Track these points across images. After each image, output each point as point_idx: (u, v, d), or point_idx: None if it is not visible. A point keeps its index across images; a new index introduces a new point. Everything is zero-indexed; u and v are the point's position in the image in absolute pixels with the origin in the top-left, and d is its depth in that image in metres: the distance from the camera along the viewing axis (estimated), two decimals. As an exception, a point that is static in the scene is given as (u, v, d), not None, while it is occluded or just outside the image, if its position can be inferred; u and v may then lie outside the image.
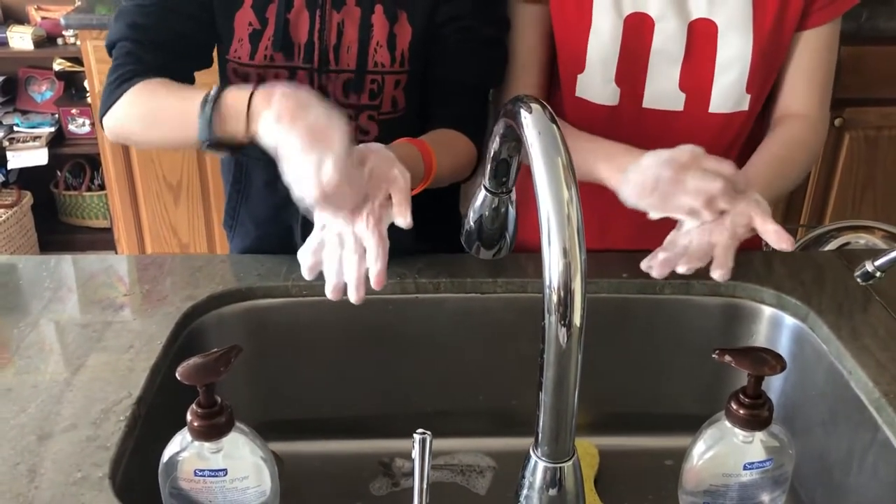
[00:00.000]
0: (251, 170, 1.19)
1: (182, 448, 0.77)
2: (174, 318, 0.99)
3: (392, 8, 1.08)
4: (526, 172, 0.74)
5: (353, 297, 0.82)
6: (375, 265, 0.81)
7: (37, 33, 2.98)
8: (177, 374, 0.74)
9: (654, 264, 0.93)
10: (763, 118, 1.19)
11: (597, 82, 1.12)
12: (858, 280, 0.98)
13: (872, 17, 2.22)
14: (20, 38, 2.97)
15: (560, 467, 0.65)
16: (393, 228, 0.85)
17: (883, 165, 2.41)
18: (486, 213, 0.89)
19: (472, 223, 0.91)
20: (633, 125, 1.14)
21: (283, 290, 1.06)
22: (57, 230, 3.22)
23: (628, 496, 1.03)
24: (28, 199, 3.06)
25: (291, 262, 1.07)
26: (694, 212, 0.92)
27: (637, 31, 1.09)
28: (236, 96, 0.89)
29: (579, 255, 0.59)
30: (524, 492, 0.66)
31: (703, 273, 1.06)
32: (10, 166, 3.01)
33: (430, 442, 0.74)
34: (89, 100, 2.78)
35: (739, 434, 0.81)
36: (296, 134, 0.81)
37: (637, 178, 0.94)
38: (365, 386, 1.10)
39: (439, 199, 1.18)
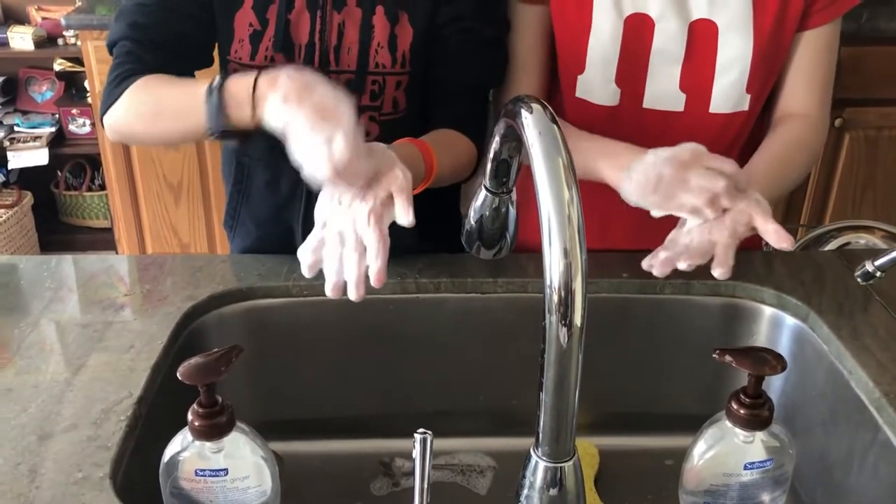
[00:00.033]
0: (252, 170, 1.19)
1: (183, 448, 0.77)
2: (175, 318, 0.99)
3: (393, 9, 1.08)
4: (527, 172, 0.74)
5: (353, 295, 0.82)
6: (376, 263, 0.82)
7: (37, 33, 2.98)
8: (178, 374, 0.74)
9: (655, 263, 0.93)
10: (763, 118, 1.19)
11: (597, 83, 1.12)
12: (859, 280, 0.98)
13: (873, 17, 2.22)
14: (21, 39, 2.97)
15: (561, 467, 0.65)
16: (393, 228, 0.85)
17: (883, 165, 2.41)
18: (487, 213, 0.89)
19: (472, 223, 0.92)
20: (634, 126, 1.14)
21: (284, 290, 1.06)
22: (57, 230, 3.22)
23: (629, 496, 1.03)
24: (28, 199, 3.06)
25: (292, 262, 1.07)
26: (696, 210, 0.92)
27: (637, 31, 1.09)
28: (240, 82, 0.90)
29: (580, 255, 0.59)
30: (525, 492, 0.66)
31: (703, 273, 1.06)
32: (10, 166, 3.01)
33: (431, 441, 0.74)
34: (90, 100, 2.79)
35: (740, 434, 0.81)
36: (304, 113, 0.82)
37: (639, 176, 0.94)
38: (365, 386, 1.10)
39: (440, 199, 1.18)
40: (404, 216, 0.84)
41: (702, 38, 1.09)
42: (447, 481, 1.05)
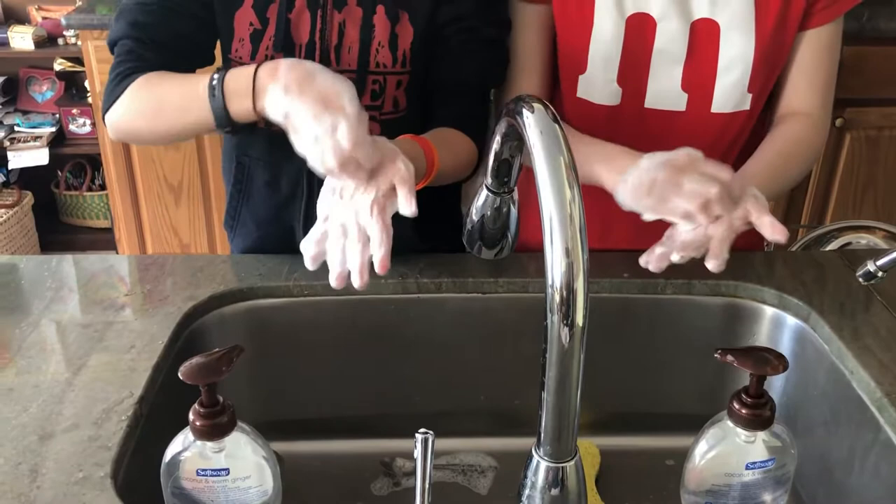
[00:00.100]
0: (252, 170, 1.19)
1: (184, 447, 0.77)
2: (175, 318, 0.99)
3: (394, 8, 1.08)
4: (528, 172, 0.74)
5: (357, 282, 0.82)
6: (379, 250, 0.82)
7: (37, 33, 2.98)
8: (179, 374, 0.74)
9: (652, 259, 0.94)
10: (765, 118, 1.19)
11: (599, 83, 1.12)
12: (860, 280, 0.98)
13: (874, 17, 2.22)
14: (21, 38, 2.97)
15: (562, 467, 0.65)
16: (395, 228, 0.85)
17: (884, 165, 2.41)
18: (488, 212, 0.89)
19: (473, 223, 0.92)
20: (635, 125, 1.14)
21: (285, 289, 1.06)
22: (58, 230, 3.22)
23: (630, 496, 1.03)
24: (29, 199, 3.06)
25: (293, 261, 1.08)
26: (688, 215, 0.92)
27: (639, 31, 1.09)
28: (240, 74, 0.90)
29: (581, 254, 0.59)
30: (526, 491, 0.66)
31: (704, 273, 1.06)
32: (10, 166, 3.01)
33: (433, 441, 0.74)
34: (90, 100, 2.78)
35: (741, 434, 0.81)
36: (306, 102, 0.82)
37: (634, 179, 0.94)
38: (366, 385, 1.10)
39: (441, 199, 1.18)
40: (407, 206, 0.84)
41: (703, 37, 1.09)
42: (448, 481, 1.05)
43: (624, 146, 1.03)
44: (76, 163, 3.19)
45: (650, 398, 1.12)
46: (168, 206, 2.60)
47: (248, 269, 1.09)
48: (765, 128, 1.17)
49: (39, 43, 2.99)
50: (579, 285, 0.59)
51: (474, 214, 0.91)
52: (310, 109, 0.82)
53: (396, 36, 1.09)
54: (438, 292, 1.07)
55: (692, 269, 1.05)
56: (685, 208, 0.91)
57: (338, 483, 1.06)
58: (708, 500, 0.84)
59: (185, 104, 0.96)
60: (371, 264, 0.83)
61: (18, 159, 2.99)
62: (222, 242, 2.64)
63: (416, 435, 0.74)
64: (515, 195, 0.89)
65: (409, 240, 1.10)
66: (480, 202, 0.89)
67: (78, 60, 2.91)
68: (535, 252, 1.05)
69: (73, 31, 2.88)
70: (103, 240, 3.10)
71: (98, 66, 2.45)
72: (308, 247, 0.85)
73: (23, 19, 3.11)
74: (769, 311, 1.07)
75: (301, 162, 0.85)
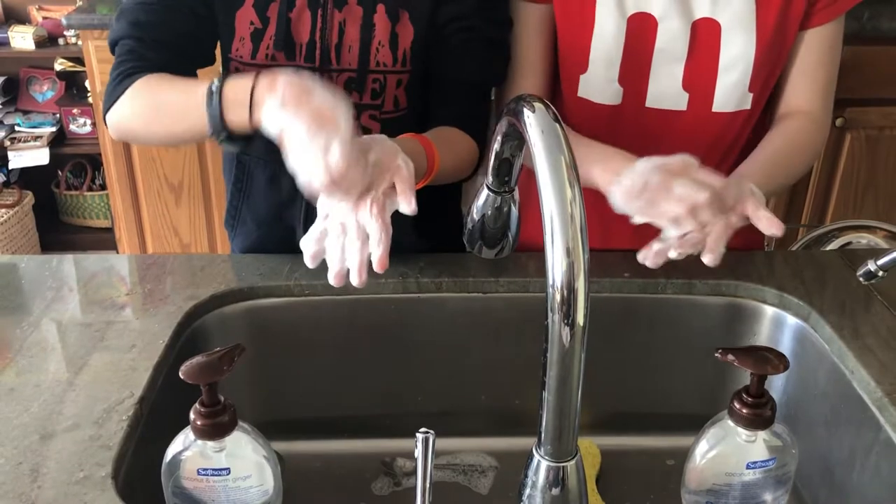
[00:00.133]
0: (253, 169, 1.19)
1: (185, 447, 0.77)
2: (176, 318, 0.99)
3: (394, 7, 1.08)
4: (529, 171, 0.74)
5: (355, 280, 0.83)
6: (378, 249, 0.82)
7: (38, 33, 2.98)
8: (180, 373, 0.74)
9: (649, 255, 0.94)
10: (765, 118, 1.19)
11: (600, 82, 1.12)
12: (861, 279, 0.98)
13: (874, 17, 2.22)
14: (21, 38, 2.97)
15: (563, 466, 0.65)
16: (395, 227, 0.85)
17: (884, 165, 2.41)
18: (489, 212, 0.89)
19: (474, 222, 0.91)
20: (636, 125, 1.14)
21: (285, 289, 1.06)
22: (58, 230, 3.22)
23: (630, 496, 1.03)
24: (29, 198, 3.06)
25: (293, 261, 1.08)
26: (677, 220, 0.92)
27: (640, 30, 1.09)
28: (238, 85, 0.90)
29: (582, 254, 0.59)
30: (527, 491, 0.66)
31: (705, 273, 1.06)
32: (11, 166, 3.01)
33: (433, 441, 0.74)
34: (90, 100, 2.78)
35: (742, 433, 0.81)
36: (301, 119, 0.82)
37: (627, 181, 0.94)
38: (367, 385, 1.10)
39: (441, 198, 1.18)
40: (406, 205, 0.84)
41: (705, 37, 1.09)
42: (449, 481, 1.05)
43: (621, 149, 1.03)
44: (76, 163, 3.19)
45: (651, 398, 1.12)
46: (168, 205, 2.60)
47: (248, 268, 1.09)
48: (765, 128, 1.17)
49: (40, 43, 2.99)
50: (580, 285, 0.59)
51: (475, 214, 0.91)
52: (304, 126, 0.81)
53: (397, 35, 1.09)
54: (439, 292, 1.07)
55: (693, 268, 1.05)
56: (674, 212, 0.91)
57: (338, 483, 1.06)
58: (709, 500, 0.84)
59: (184, 110, 0.96)
60: (370, 263, 0.83)
61: (19, 159, 2.99)
62: (223, 242, 2.64)
63: (417, 434, 0.74)
64: (516, 195, 0.89)
65: (409, 239, 1.10)
66: (481, 201, 0.89)
67: (78, 60, 2.91)
68: (535, 251, 1.05)
69: (73, 30, 2.88)
70: (104, 239, 3.10)
71: (99, 65, 2.45)
72: (308, 244, 0.85)
73: (23, 19, 3.11)
74: (770, 310, 1.07)
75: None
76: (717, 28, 1.08)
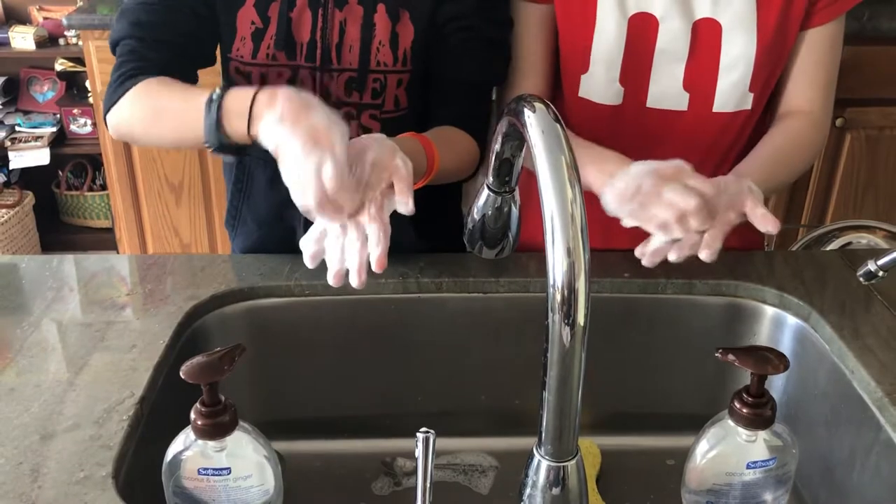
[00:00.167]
0: (253, 169, 1.19)
1: (185, 447, 0.77)
2: (176, 318, 0.99)
3: (394, 7, 1.08)
4: (528, 171, 0.74)
5: (354, 281, 0.83)
6: (377, 249, 0.82)
7: (39, 33, 2.98)
8: (181, 373, 0.74)
9: (646, 252, 0.94)
10: (766, 118, 1.19)
11: (601, 82, 1.12)
12: (861, 279, 0.98)
13: (874, 17, 2.22)
14: (22, 39, 2.97)
15: (563, 466, 0.65)
16: (395, 227, 0.85)
17: (884, 165, 2.41)
18: (489, 212, 0.89)
19: (474, 222, 0.92)
20: (637, 125, 1.14)
21: (286, 289, 1.06)
22: (58, 230, 3.22)
23: (631, 495, 1.03)
24: (30, 199, 3.06)
25: (293, 261, 1.08)
26: (665, 225, 0.92)
27: (641, 30, 1.09)
28: (239, 97, 0.90)
29: (583, 254, 0.59)
30: (527, 491, 0.66)
31: (705, 273, 1.06)
32: (11, 166, 3.01)
33: (434, 441, 0.74)
34: (91, 100, 2.78)
35: (743, 433, 0.81)
36: (297, 136, 0.82)
37: (620, 184, 0.94)
38: (367, 385, 1.10)
39: (442, 198, 1.18)
40: (404, 205, 0.84)
41: (705, 37, 1.09)
42: (449, 481, 1.05)
43: (622, 149, 1.03)
44: (77, 163, 3.19)
45: (651, 398, 1.12)
46: (169, 205, 2.60)
47: (248, 268, 1.09)
48: (766, 128, 1.17)
49: (40, 43, 2.99)
50: (581, 285, 0.59)
51: (475, 214, 0.91)
52: (299, 143, 0.81)
53: (397, 35, 1.09)
54: (439, 292, 1.07)
55: (693, 268, 1.05)
56: (663, 218, 0.91)
57: (339, 482, 1.06)
58: (709, 500, 0.84)
59: (184, 117, 0.96)
60: (369, 263, 0.83)
61: (19, 159, 3.00)
62: (223, 242, 2.64)
63: (418, 434, 0.74)
64: (517, 195, 0.89)
65: (409, 239, 1.10)
66: (481, 201, 0.89)
67: (79, 60, 2.91)
68: (536, 252, 1.05)
69: (74, 31, 2.88)
70: (104, 240, 3.10)
71: (99, 66, 2.45)
72: (307, 245, 0.86)
73: (24, 19, 3.11)
74: (770, 310, 1.07)
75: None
76: (717, 28, 1.08)
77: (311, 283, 1.05)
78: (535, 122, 0.64)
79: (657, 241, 0.93)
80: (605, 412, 1.08)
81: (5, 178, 3.07)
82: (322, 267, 0.86)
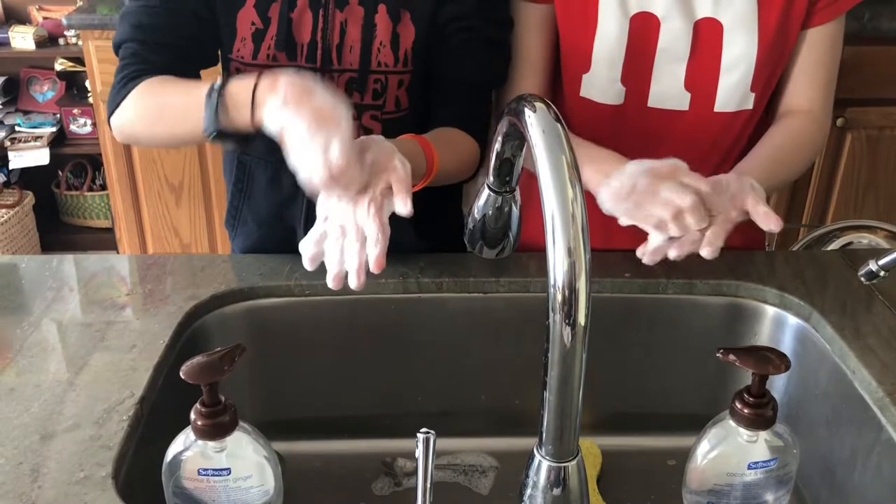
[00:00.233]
0: (253, 169, 1.19)
1: (185, 447, 0.77)
2: (177, 318, 0.99)
3: (395, 8, 1.08)
4: (529, 171, 0.74)
5: (353, 282, 0.83)
6: (375, 249, 0.82)
7: (38, 33, 2.98)
8: (181, 373, 0.74)
9: (647, 251, 0.94)
10: (766, 118, 1.19)
11: (602, 82, 1.12)
12: (862, 279, 0.98)
13: (875, 17, 2.22)
14: (22, 39, 2.97)
15: (564, 467, 0.65)
16: (395, 227, 0.85)
17: (885, 165, 2.41)
18: (490, 212, 0.89)
19: (475, 222, 0.91)
20: (638, 125, 1.14)
21: (286, 289, 1.06)
22: (58, 230, 3.22)
23: (631, 496, 1.03)
24: (30, 199, 3.06)
25: (293, 261, 1.08)
26: (661, 224, 0.92)
27: (643, 30, 1.09)
28: (241, 85, 0.90)
29: (584, 254, 0.59)
30: (528, 491, 0.66)
31: (705, 273, 1.06)
32: (11, 166, 3.01)
33: (434, 441, 0.73)
34: (91, 100, 2.78)
35: (744, 433, 0.81)
36: (302, 117, 0.82)
37: (616, 183, 0.95)
38: (367, 385, 1.10)
39: (442, 198, 1.18)
40: (402, 206, 0.84)
41: (707, 36, 1.09)
42: (449, 481, 1.05)
43: (623, 149, 1.03)
44: (77, 163, 3.19)
45: (652, 398, 1.12)
46: (169, 205, 2.60)
47: (248, 268, 1.09)
48: (767, 127, 1.17)
49: (40, 43, 2.99)
50: (581, 285, 0.59)
51: (476, 214, 0.91)
52: (304, 124, 0.82)
53: (398, 35, 1.09)
54: (439, 292, 1.07)
55: (693, 268, 1.05)
56: (659, 216, 0.91)
57: (339, 483, 1.06)
58: (710, 500, 0.84)
59: (186, 110, 0.96)
60: (368, 265, 0.83)
61: (19, 159, 2.99)
62: (223, 242, 2.64)
63: (418, 435, 0.74)
64: (517, 194, 0.89)
65: (409, 239, 1.10)
66: (482, 201, 0.89)
67: (79, 60, 2.91)
68: (536, 251, 1.05)
69: (73, 31, 2.88)
70: (104, 240, 3.10)
71: (99, 66, 2.44)
72: (307, 247, 0.86)
73: (24, 19, 3.11)
74: (771, 310, 1.07)
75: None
76: (719, 28, 1.08)
77: (311, 283, 1.05)
78: (535, 122, 0.64)
79: (655, 239, 0.93)
80: (605, 412, 1.08)
81: (5, 178, 3.07)
82: (322, 267, 0.86)
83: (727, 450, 0.82)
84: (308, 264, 0.86)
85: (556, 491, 0.65)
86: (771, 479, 0.83)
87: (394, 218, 0.86)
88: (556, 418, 0.63)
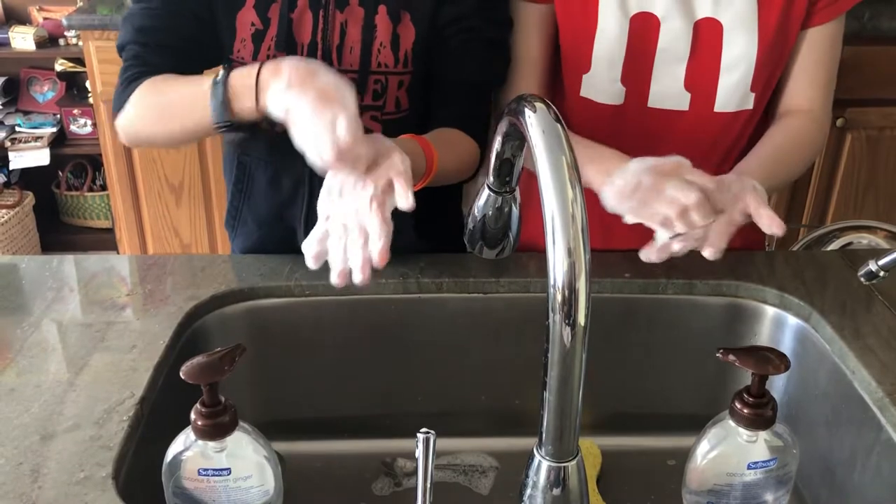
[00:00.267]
0: (254, 170, 1.19)
1: (186, 447, 0.77)
2: (177, 319, 0.99)
3: (395, 9, 1.08)
4: (529, 171, 0.74)
5: (358, 278, 0.83)
6: (378, 242, 0.83)
7: (39, 34, 2.98)
8: (181, 373, 0.74)
9: (652, 250, 0.94)
10: (766, 118, 1.19)
11: (602, 82, 1.12)
12: (862, 279, 0.98)
13: (874, 17, 2.22)
14: (22, 39, 2.97)
15: (564, 467, 0.65)
16: (395, 228, 0.85)
17: (885, 166, 2.41)
18: (490, 212, 0.89)
19: (475, 222, 0.91)
20: (638, 125, 1.14)
21: (286, 289, 1.06)
22: (58, 230, 3.22)
23: (631, 496, 1.03)
24: (30, 199, 3.06)
25: (293, 262, 1.08)
26: (667, 221, 0.92)
27: (643, 30, 1.09)
28: (243, 74, 0.91)
29: (584, 254, 0.59)
30: (528, 491, 0.66)
31: (705, 273, 1.06)
32: (11, 167, 3.01)
33: (434, 441, 0.73)
34: (91, 100, 2.78)
35: (743, 433, 0.81)
36: (307, 97, 0.83)
37: (619, 181, 0.95)
38: (367, 386, 1.10)
39: (442, 198, 1.18)
40: (404, 199, 0.84)
41: (707, 36, 1.09)
42: (449, 481, 1.05)
43: (623, 149, 1.03)
44: (77, 163, 3.19)
45: (652, 398, 1.12)
46: (169, 206, 2.60)
47: (249, 269, 1.09)
48: (767, 127, 1.17)
49: (40, 43, 2.99)
50: (581, 285, 0.59)
51: (476, 214, 0.91)
52: (310, 103, 0.83)
53: (398, 36, 1.09)
54: (439, 292, 1.07)
55: (693, 269, 1.05)
56: (664, 214, 0.91)
57: (339, 483, 1.06)
58: (710, 500, 0.84)
59: (190, 104, 0.97)
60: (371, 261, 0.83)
61: (19, 160, 2.99)
62: (223, 242, 2.64)
63: (418, 435, 0.74)
64: (517, 195, 0.89)
65: (409, 239, 1.10)
66: (482, 202, 0.89)
67: (79, 61, 2.91)
68: (536, 252, 1.05)
69: (74, 31, 2.88)
70: (104, 240, 3.10)
71: (99, 66, 2.44)
72: (310, 246, 0.86)
73: (24, 20, 3.11)
74: (770, 310, 1.07)
75: (303, 162, 0.86)
76: (718, 28, 1.08)
77: (312, 284, 1.05)
78: (535, 122, 0.64)
79: (662, 237, 0.93)
80: (605, 412, 1.08)
81: (5, 179, 3.07)
82: (323, 267, 0.86)
83: (727, 450, 0.82)
84: (311, 263, 0.86)
85: (556, 491, 0.65)
86: (770, 479, 0.83)
87: (394, 218, 0.86)
88: (556, 418, 0.63)
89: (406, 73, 1.11)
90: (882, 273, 0.96)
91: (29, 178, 3.11)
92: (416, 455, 0.74)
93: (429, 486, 0.73)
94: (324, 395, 1.10)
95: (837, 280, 1.09)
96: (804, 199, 2.45)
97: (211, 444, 0.76)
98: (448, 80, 1.13)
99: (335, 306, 1.06)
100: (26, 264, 1.12)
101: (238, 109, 0.92)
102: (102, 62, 2.43)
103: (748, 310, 1.08)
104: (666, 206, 0.91)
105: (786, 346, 1.05)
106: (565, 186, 0.60)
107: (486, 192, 0.88)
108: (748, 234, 1.03)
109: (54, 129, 3.08)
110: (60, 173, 3.18)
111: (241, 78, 0.91)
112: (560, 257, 0.59)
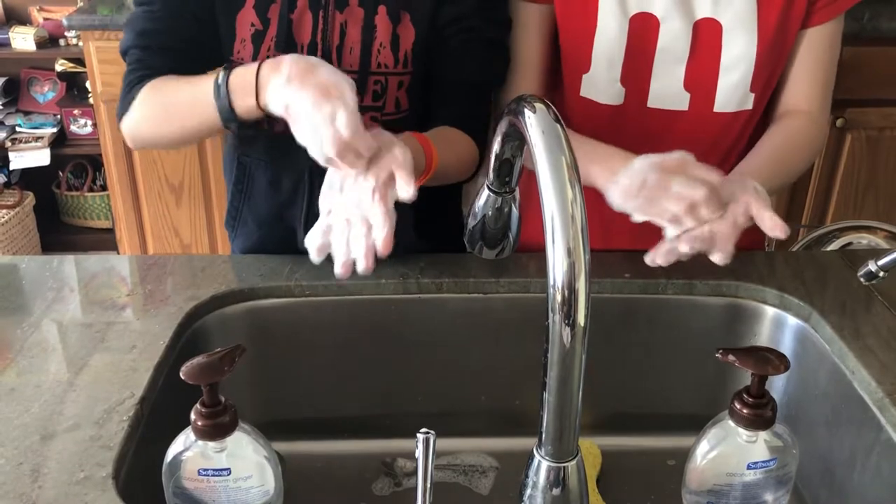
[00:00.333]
0: (254, 170, 1.19)
1: (186, 447, 0.77)
2: (177, 319, 0.99)
3: (395, 9, 1.08)
4: (529, 171, 0.74)
5: (361, 266, 0.84)
6: (382, 230, 0.83)
7: (39, 34, 2.98)
8: (181, 374, 0.74)
9: (659, 253, 0.94)
10: (766, 118, 1.19)
11: (602, 82, 1.12)
12: (862, 280, 0.98)
13: (874, 17, 2.22)
14: (22, 39, 2.97)
15: (564, 467, 0.65)
16: (395, 227, 0.85)
17: (884, 166, 2.41)
18: (490, 212, 0.89)
19: (475, 223, 0.92)
20: (638, 125, 1.14)
21: (286, 290, 1.06)
22: (59, 231, 3.22)
23: (631, 496, 1.03)
24: (30, 199, 3.06)
25: (294, 262, 1.08)
26: (676, 218, 0.92)
27: (642, 30, 1.09)
28: (243, 72, 0.92)
29: (583, 254, 0.59)
30: (528, 491, 0.66)
31: (705, 273, 1.06)
32: (12, 167, 3.02)
33: (434, 441, 0.74)
34: (91, 100, 2.78)
35: (743, 434, 0.81)
36: (307, 92, 0.84)
37: (625, 180, 0.95)
38: (367, 386, 1.10)
39: (442, 199, 1.18)
40: (406, 190, 0.85)
41: (706, 37, 1.09)
42: (449, 482, 1.05)
43: (620, 148, 1.03)
44: (77, 163, 3.19)
45: (651, 398, 1.12)
46: (169, 206, 2.60)
47: (249, 269, 1.09)
48: (767, 127, 1.17)
49: (41, 44, 2.99)
50: (581, 285, 0.59)
51: (476, 214, 0.91)
52: (310, 99, 0.84)
53: (398, 36, 1.09)
54: (439, 292, 1.07)
55: (693, 269, 1.05)
56: (672, 211, 0.92)
57: (339, 483, 1.06)
58: (709, 500, 0.84)
59: (193, 105, 0.98)
60: (375, 252, 0.84)
61: (20, 160, 3.00)
62: (223, 243, 2.64)
63: (418, 435, 0.74)
64: (517, 195, 0.89)
65: (410, 239, 1.10)
66: (482, 202, 0.89)
67: (79, 61, 2.91)
68: (536, 252, 1.05)
69: (74, 31, 2.88)
70: (104, 240, 3.10)
71: (99, 66, 2.44)
72: (313, 238, 0.86)
73: (24, 20, 3.11)
74: (770, 311, 1.07)
75: (303, 162, 0.86)
76: (718, 28, 1.08)
77: (312, 284, 1.05)
78: (535, 123, 0.64)
79: (671, 233, 0.93)
80: (605, 413, 1.08)
81: (6, 179, 3.07)
82: (323, 267, 0.86)
83: (727, 450, 0.82)
84: (315, 255, 0.87)
85: (556, 491, 0.65)
86: (770, 479, 0.83)
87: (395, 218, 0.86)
88: (556, 419, 0.63)
89: (406, 73, 1.11)
90: (882, 273, 0.96)
91: (29, 179, 3.12)
92: (416, 455, 0.74)
93: (429, 486, 0.73)
94: (324, 395, 1.10)
95: (837, 280, 1.09)
96: (804, 200, 2.45)
97: (211, 444, 0.76)
98: (448, 80, 1.13)
99: (335, 306, 1.06)
100: (26, 264, 1.13)
101: (239, 108, 0.93)
102: (103, 62, 2.43)
103: (748, 310, 1.08)
104: (674, 202, 0.91)
105: (785, 347, 1.05)
106: (565, 186, 0.60)
107: (485, 193, 0.88)
108: (748, 234, 1.03)
109: (54, 130, 3.08)
110: (61, 173, 3.18)
111: (242, 76, 0.92)
112: (560, 257, 0.59)
